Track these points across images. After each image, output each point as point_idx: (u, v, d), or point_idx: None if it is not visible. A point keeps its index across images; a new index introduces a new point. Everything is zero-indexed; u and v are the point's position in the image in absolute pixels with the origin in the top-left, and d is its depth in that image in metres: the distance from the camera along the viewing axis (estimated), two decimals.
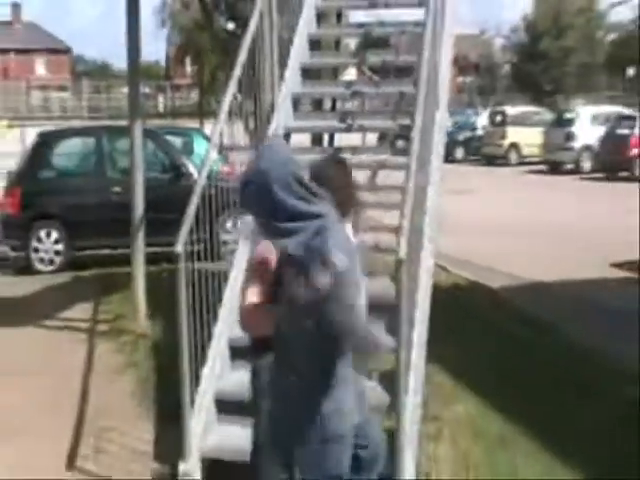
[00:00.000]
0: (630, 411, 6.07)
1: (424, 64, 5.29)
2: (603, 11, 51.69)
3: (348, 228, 3.69)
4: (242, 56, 6.24)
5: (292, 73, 7.16)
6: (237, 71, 6.14)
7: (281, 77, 7.06)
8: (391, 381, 4.73)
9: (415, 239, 5.02)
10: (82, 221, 12.22)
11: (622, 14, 54.02)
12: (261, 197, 3.28)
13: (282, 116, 6.80)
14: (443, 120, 6.26)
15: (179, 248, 5.11)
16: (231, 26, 32.11)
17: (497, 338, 7.98)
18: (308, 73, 7.39)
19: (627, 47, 51.33)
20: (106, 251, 12.37)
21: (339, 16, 8.48)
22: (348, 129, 6.81)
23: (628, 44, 51.74)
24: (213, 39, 30.82)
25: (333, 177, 3.77)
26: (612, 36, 54.25)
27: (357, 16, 8.50)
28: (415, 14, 6.82)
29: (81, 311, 9.43)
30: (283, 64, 7.09)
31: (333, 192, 3.50)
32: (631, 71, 47.45)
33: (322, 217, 3.28)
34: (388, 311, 5.58)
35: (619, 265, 11.98)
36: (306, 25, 7.44)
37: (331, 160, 4.05)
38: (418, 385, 5.14)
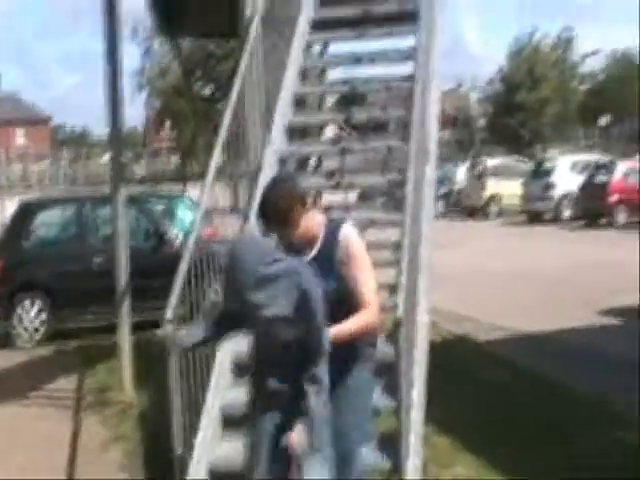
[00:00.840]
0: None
1: (415, 118, 5.20)
2: (576, 62, 52.43)
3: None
4: (227, 117, 6.17)
5: (277, 132, 7.13)
6: (223, 133, 6.04)
7: (266, 137, 7.02)
8: (390, 443, 4.63)
9: (410, 296, 4.90)
10: (66, 290, 12.00)
11: (593, 64, 54.62)
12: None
13: (269, 176, 6.67)
14: (433, 174, 6.18)
15: (169, 314, 4.96)
16: (209, 90, 32.38)
17: (488, 393, 7.84)
18: (293, 131, 7.31)
19: (599, 96, 52.10)
20: (90, 320, 12.12)
21: (322, 72, 8.46)
22: (336, 187, 6.73)
23: (600, 94, 52.53)
24: (192, 104, 30.91)
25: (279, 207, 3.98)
26: (585, 86, 54.98)
27: (337, 72, 8.43)
28: (400, 70, 6.80)
29: (66, 383, 9.25)
30: (268, 123, 7.06)
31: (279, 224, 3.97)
32: (604, 120, 47.98)
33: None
34: (386, 371, 5.46)
35: (607, 312, 11.87)
36: (291, 83, 7.43)
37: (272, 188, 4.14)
38: (418, 446, 4.99)
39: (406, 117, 6.48)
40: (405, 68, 7.09)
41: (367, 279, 4.05)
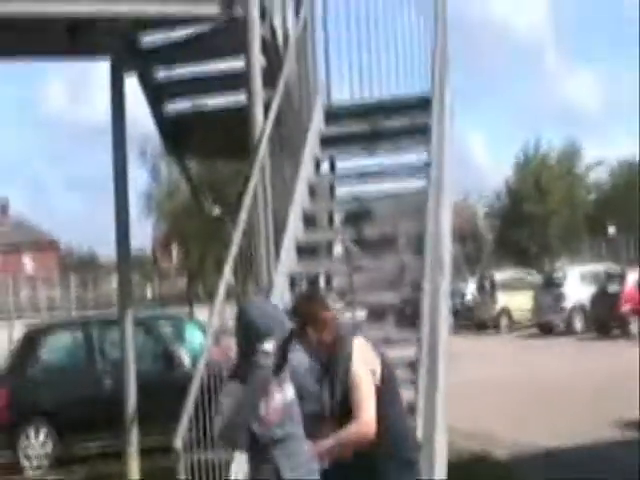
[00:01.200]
0: None
1: (430, 230, 5.12)
2: (582, 173, 52.84)
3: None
4: (237, 236, 6.11)
5: (287, 251, 7.08)
6: (232, 252, 5.96)
7: (276, 256, 6.96)
8: None
9: (429, 417, 4.71)
10: (72, 417, 11.74)
11: (599, 174, 54.98)
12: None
13: (278, 297, 6.57)
14: (447, 287, 6.09)
15: (178, 443, 4.76)
16: (217, 211, 32.61)
17: None
18: (303, 249, 7.22)
19: (606, 206, 52.27)
20: (97, 447, 11.80)
21: (332, 188, 8.50)
22: (349, 305, 6.61)
23: (607, 203, 52.72)
24: (201, 224, 31.15)
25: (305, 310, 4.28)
26: (592, 196, 55.27)
27: (346, 188, 8.47)
28: (410, 184, 6.79)
29: None
30: (277, 241, 7.01)
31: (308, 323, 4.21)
32: (612, 229, 48.03)
33: None
34: None
35: (631, 424, 11.55)
36: (300, 199, 7.42)
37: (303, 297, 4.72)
38: None
39: (418, 230, 6.46)
40: (415, 182, 7.07)
41: (362, 395, 4.04)
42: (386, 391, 4.07)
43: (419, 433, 4.23)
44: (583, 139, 65.32)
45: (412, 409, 4.57)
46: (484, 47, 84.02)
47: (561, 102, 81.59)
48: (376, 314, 8.13)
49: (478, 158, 77.02)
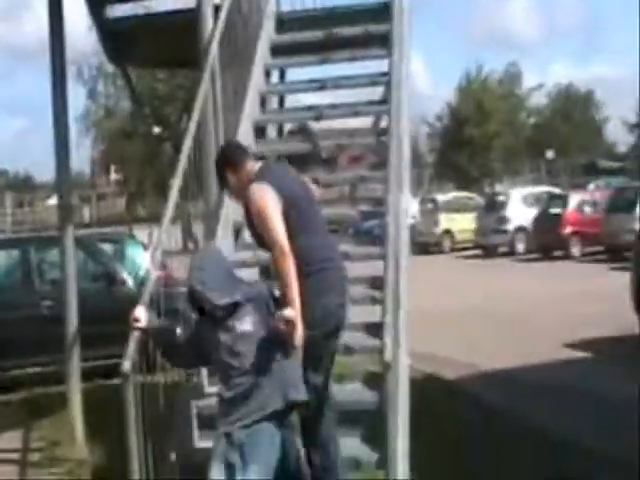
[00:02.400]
0: None
1: (392, 146, 4.96)
2: (523, 95, 52.97)
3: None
4: (185, 151, 5.76)
5: None
6: (180, 168, 5.57)
7: None
8: None
9: (395, 338, 4.45)
10: (8, 339, 11.30)
11: (539, 99, 55.30)
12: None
13: (230, 215, 6.24)
14: (407, 205, 5.78)
15: (126, 367, 4.45)
16: (157, 130, 31.96)
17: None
18: None
19: (545, 131, 52.65)
20: (35, 370, 11.40)
21: (281, 98, 8.17)
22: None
23: (546, 128, 53.09)
24: (140, 144, 30.53)
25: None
26: (532, 120, 55.58)
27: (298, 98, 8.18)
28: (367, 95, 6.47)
29: (9, 440, 8.51)
30: None
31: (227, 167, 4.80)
32: (550, 153, 48.42)
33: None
34: (363, 420, 5.05)
35: (573, 345, 11.55)
36: (251, 111, 7.09)
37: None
38: None
39: (377, 146, 6.17)
40: (372, 93, 6.76)
41: (265, 227, 4.56)
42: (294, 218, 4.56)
43: (387, 355, 3.95)
44: (524, 64, 65.22)
45: (377, 327, 4.31)
46: None
47: (501, 27, 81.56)
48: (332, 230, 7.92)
49: (418, 81, 76.66)
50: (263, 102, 7.63)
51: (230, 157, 4.81)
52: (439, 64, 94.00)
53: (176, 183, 5.59)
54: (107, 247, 13.99)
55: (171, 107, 34.22)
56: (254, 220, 4.61)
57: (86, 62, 41.46)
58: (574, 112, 55.38)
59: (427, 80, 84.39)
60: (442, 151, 52.13)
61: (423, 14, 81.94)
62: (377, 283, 5.03)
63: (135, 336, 4.67)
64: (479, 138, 48.03)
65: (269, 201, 4.53)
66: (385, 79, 6.19)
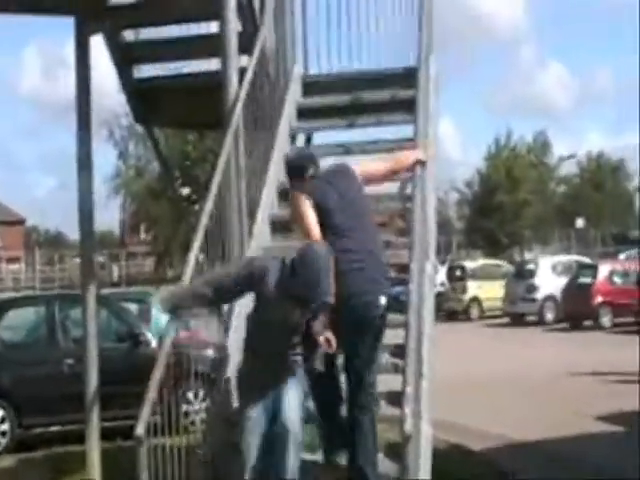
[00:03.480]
0: None
1: (417, 212, 4.99)
2: (553, 165, 53.00)
3: None
4: (207, 209, 5.74)
5: (261, 226, 6.75)
6: (202, 226, 5.53)
7: (250, 230, 6.63)
8: None
9: (417, 407, 4.34)
10: (32, 396, 11.25)
11: (569, 168, 55.29)
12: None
13: None
14: (432, 272, 5.73)
15: (140, 431, 4.36)
16: (186, 191, 32.23)
17: None
18: (277, 225, 6.89)
19: (576, 199, 52.57)
20: (57, 428, 11.32)
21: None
22: None
23: (577, 197, 53.03)
24: (169, 205, 30.70)
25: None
26: (562, 188, 55.55)
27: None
28: None
29: None
30: (251, 216, 6.70)
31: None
32: (580, 222, 48.23)
33: None
34: None
35: (603, 418, 11.28)
36: (276, 172, 7.05)
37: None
38: None
39: (403, 212, 6.13)
40: None
41: (302, 225, 5.35)
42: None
43: (407, 427, 3.84)
44: (554, 132, 65.70)
45: (398, 396, 4.22)
46: (460, 35, 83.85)
47: (533, 94, 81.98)
48: None
49: (448, 146, 77.03)
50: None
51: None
52: (469, 129, 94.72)
53: (196, 245, 5.56)
54: (132, 306, 14.00)
55: (200, 169, 34.52)
56: (293, 224, 5.36)
57: (117, 123, 42.08)
58: (605, 181, 55.29)
59: (457, 145, 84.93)
60: (471, 218, 52.08)
61: (454, 79, 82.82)
62: (400, 351, 4.94)
63: (150, 399, 4.59)
64: (509, 205, 47.96)
65: (302, 204, 5.27)
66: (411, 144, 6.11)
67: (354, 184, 5.48)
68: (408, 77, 6.82)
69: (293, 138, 7.93)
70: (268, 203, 6.92)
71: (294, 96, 7.87)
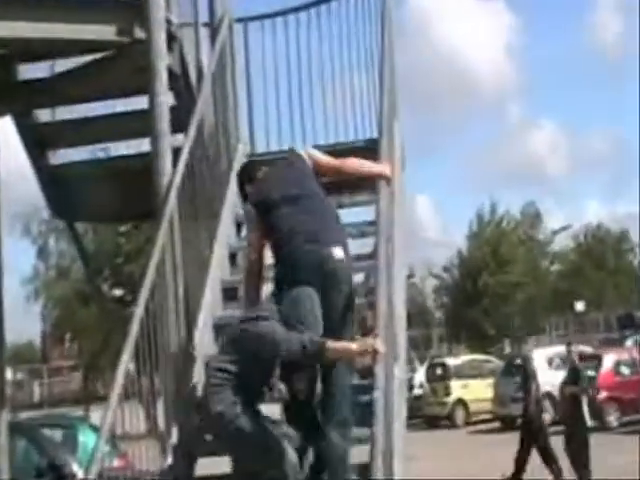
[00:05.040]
0: None
1: (381, 310, 5.05)
2: (545, 240, 53.35)
3: None
4: (139, 310, 5.75)
5: (203, 332, 6.72)
6: (132, 333, 5.50)
7: (189, 338, 6.58)
8: None
9: None
10: None
11: (564, 241, 55.51)
12: None
13: (198, 390, 6.14)
14: (403, 375, 5.80)
15: None
16: (119, 292, 31.99)
17: None
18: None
19: (574, 279, 52.77)
20: None
21: None
22: None
23: (574, 276, 53.21)
24: (98, 310, 30.39)
25: None
26: (557, 267, 55.72)
27: None
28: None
29: None
30: (191, 321, 6.66)
31: None
32: (580, 305, 48.22)
33: None
34: None
35: None
36: (218, 270, 7.16)
37: None
38: None
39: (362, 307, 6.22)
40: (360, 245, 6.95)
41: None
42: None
43: None
44: (544, 202, 66.25)
45: None
46: (435, 96, 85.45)
47: (521, 159, 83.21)
48: None
49: (425, 226, 77.56)
50: (233, 258, 7.63)
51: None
52: (449, 206, 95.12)
53: (125, 357, 5.52)
54: (56, 433, 13.76)
55: (136, 265, 34.38)
56: None
57: (36, 216, 41.92)
58: (606, 256, 55.44)
59: (435, 225, 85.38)
60: (453, 307, 52.09)
61: (429, 150, 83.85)
62: (365, 472, 4.92)
63: None
64: (496, 290, 47.98)
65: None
66: (373, 229, 6.19)
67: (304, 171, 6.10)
68: (369, 150, 6.90)
69: (239, 227, 7.99)
70: (211, 305, 6.91)
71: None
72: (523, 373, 17.96)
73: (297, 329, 5.43)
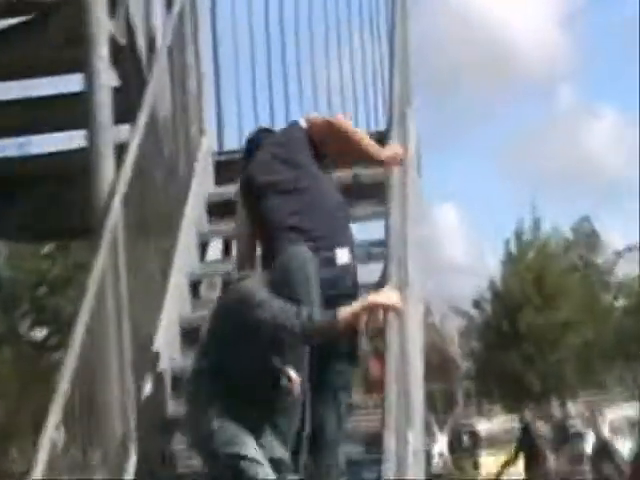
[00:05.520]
0: None
1: (391, 353, 5.19)
2: (605, 265, 53.40)
3: None
4: (70, 361, 5.74)
5: (158, 384, 6.85)
6: (61, 392, 5.57)
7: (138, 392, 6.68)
8: None
9: None
10: None
11: (630, 269, 55.05)
12: None
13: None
14: (418, 443, 5.92)
15: None
16: (41, 333, 31.98)
17: None
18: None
19: None
20: None
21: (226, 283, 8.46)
22: None
23: None
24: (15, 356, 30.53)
25: None
26: (621, 301, 55.72)
27: None
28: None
29: None
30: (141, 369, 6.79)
31: None
32: None
33: None
34: None
35: None
36: (176, 301, 7.33)
37: None
38: None
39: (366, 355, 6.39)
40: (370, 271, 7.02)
41: None
42: None
43: None
44: (603, 214, 66.27)
45: None
46: (460, 74, 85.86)
47: (571, 158, 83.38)
48: None
49: (446, 242, 77.61)
50: (196, 288, 7.73)
51: None
52: (479, 219, 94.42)
53: (52, 420, 5.55)
54: None
55: (63, 297, 34.39)
56: None
57: None
58: None
59: (461, 245, 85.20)
60: (484, 353, 52.18)
61: (453, 144, 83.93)
62: None
63: None
64: (541, 332, 48.02)
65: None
66: (381, 251, 6.34)
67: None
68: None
69: (204, 247, 8.10)
70: (166, 348, 7.01)
71: (202, 184, 8.07)
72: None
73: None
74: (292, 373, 5.69)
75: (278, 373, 5.69)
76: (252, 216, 6.30)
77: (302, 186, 6.15)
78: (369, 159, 6.60)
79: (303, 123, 6.43)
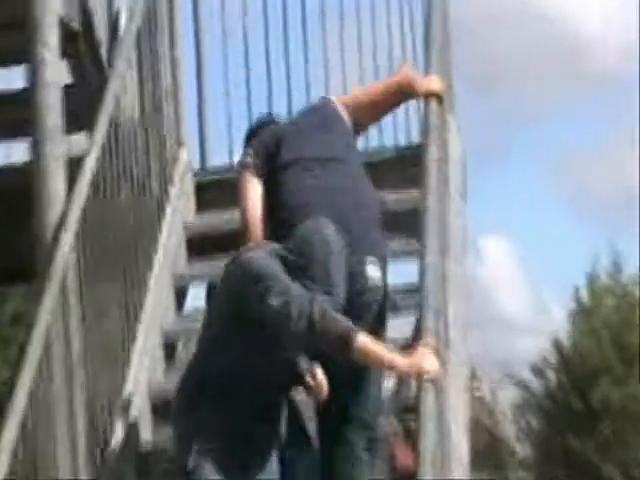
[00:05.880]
0: None
1: (426, 426, 5.03)
2: None
3: None
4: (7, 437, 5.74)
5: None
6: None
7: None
8: None
9: None
10: None
11: None
12: None
13: None
14: None
15: None
16: None
17: None
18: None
19: None
20: None
21: None
22: None
23: None
24: None
25: None
26: None
27: None
28: None
29: None
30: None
31: None
32: None
33: None
34: None
35: None
36: (144, 366, 7.36)
37: None
38: None
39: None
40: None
41: None
42: None
43: None
44: None
45: None
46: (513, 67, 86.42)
47: None
48: None
49: (495, 287, 77.80)
50: (172, 349, 7.77)
51: None
52: (537, 255, 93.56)
53: None
54: None
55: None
56: None
57: None
58: None
59: (514, 290, 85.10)
60: (546, 435, 52.33)
61: (501, 154, 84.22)
62: None
63: None
64: (623, 408, 48.04)
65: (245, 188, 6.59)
66: (414, 300, 6.26)
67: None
68: (406, 162, 7.40)
69: (181, 295, 8.14)
70: (132, 426, 7.06)
71: (180, 211, 8.13)
72: None
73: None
74: (319, 371, 5.81)
75: (295, 371, 5.77)
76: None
77: (333, 168, 6.30)
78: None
79: (337, 104, 6.65)
